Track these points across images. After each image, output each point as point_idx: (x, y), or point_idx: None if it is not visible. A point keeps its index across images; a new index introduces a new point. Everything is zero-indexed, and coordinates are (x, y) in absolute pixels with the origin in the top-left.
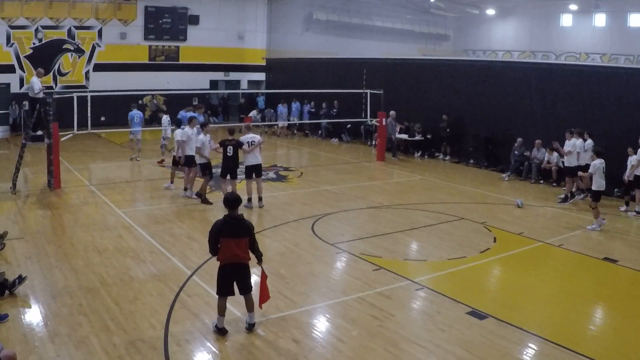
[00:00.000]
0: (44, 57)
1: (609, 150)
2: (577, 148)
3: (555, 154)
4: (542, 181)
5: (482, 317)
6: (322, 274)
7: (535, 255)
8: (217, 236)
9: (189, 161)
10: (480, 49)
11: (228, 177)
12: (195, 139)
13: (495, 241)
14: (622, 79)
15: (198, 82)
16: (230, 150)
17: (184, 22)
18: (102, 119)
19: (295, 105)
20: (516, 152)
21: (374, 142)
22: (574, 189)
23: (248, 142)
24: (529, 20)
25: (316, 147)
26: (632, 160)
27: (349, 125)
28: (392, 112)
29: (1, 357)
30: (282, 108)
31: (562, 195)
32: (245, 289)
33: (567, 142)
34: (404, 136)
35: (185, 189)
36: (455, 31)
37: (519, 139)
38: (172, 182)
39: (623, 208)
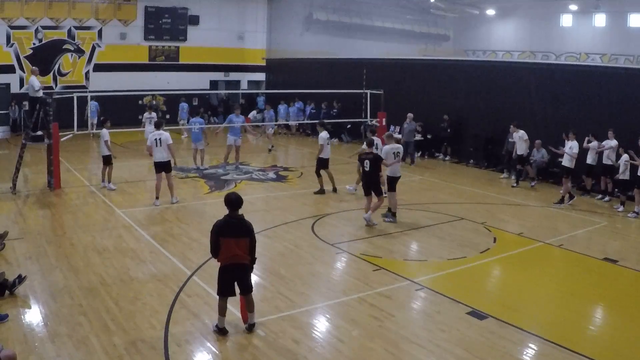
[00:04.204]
0: (44, 57)
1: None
2: (574, 149)
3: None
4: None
5: (482, 317)
6: (322, 274)
7: (535, 256)
8: (217, 236)
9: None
10: (480, 49)
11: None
12: None
13: (495, 241)
14: (622, 79)
15: (198, 82)
16: (367, 164)
17: (184, 22)
18: (102, 118)
19: (299, 109)
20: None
21: None
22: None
23: (393, 153)
24: (529, 20)
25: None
26: (623, 159)
27: (349, 126)
28: (409, 115)
29: (1, 357)
30: (282, 107)
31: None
32: (246, 290)
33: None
34: (398, 136)
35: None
36: (455, 31)
37: None
38: (103, 180)
39: (605, 202)
